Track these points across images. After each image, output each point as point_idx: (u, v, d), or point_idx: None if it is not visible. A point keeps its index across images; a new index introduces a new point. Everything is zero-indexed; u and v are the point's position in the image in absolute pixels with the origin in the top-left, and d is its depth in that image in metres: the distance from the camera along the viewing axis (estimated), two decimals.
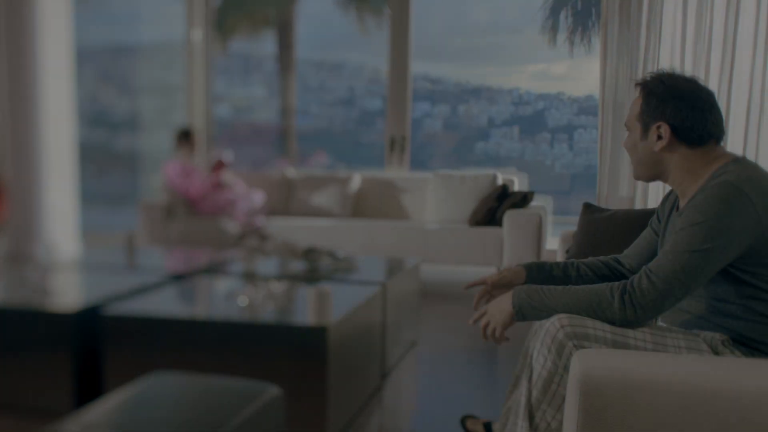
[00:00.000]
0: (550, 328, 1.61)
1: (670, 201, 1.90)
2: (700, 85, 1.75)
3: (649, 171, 1.80)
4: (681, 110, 1.71)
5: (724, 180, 1.60)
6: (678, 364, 1.45)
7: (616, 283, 1.64)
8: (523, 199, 5.07)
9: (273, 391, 1.38)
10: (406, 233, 5.20)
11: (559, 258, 3.19)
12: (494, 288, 1.99)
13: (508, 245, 4.82)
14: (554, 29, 7.23)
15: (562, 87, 7.61)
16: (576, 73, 7.65)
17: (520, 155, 7.62)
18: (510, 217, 4.84)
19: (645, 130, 1.76)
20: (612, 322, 1.62)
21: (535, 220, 4.74)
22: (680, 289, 1.57)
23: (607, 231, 3.07)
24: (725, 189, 1.58)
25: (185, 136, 5.68)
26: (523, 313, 1.72)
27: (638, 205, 4.73)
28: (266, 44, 8.45)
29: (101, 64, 7.76)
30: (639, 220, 3.01)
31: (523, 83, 7.75)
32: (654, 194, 4.72)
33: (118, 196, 7.92)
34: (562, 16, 7.24)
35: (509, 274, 1.99)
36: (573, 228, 3.51)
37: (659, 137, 1.73)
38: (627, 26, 4.67)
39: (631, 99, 4.65)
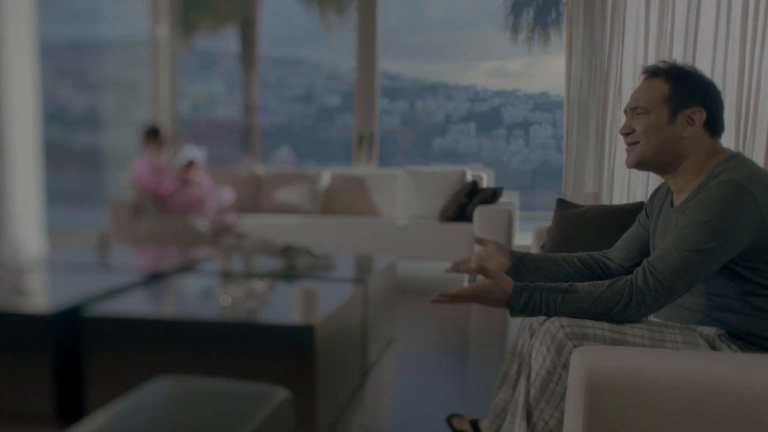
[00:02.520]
0: (550, 327, 1.61)
1: (660, 196, 1.90)
2: None
3: (662, 158, 1.74)
4: (715, 98, 1.71)
5: (728, 178, 1.59)
6: (681, 360, 1.46)
7: (618, 282, 1.64)
8: (492, 195, 5.14)
9: (282, 393, 1.37)
10: (377, 230, 5.22)
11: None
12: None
13: None
14: (516, 27, 7.31)
15: (518, 84, 7.71)
16: (531, 69, 7.75)
17: (478, 151, 7.70)
18: (480, 212, 4.89)
19: (674, 114, 1.71)
20: (615, 321, 1.63)
21: (506, 216, 4.81)
22: (683, 286, 1.59)
23: (578, 227, 3.15)
24: (729, 188, 1.58)
25: (153, 134, 5.59)
26: (521, 313, 1.71)
27: (604, 201, 4.82)
28: (228, 40, 8.38)
29: (62, 60, 7.60)
30: (611, 216, 3.09)
31: (479, 80, 7.83)
32: (619, 190, 4.80)
33: (80, 195, 7.77)
34: (524, 13, 7.32)
35: (494, 249, 1.95)
36: (539, 223, 3.60)
37: (689, 123, 1.71)
38: (591, 23, 4.75)
39: (596, 95, 4.76)
